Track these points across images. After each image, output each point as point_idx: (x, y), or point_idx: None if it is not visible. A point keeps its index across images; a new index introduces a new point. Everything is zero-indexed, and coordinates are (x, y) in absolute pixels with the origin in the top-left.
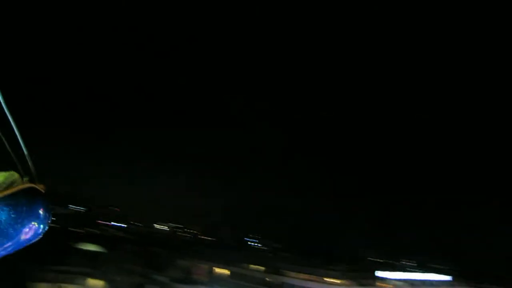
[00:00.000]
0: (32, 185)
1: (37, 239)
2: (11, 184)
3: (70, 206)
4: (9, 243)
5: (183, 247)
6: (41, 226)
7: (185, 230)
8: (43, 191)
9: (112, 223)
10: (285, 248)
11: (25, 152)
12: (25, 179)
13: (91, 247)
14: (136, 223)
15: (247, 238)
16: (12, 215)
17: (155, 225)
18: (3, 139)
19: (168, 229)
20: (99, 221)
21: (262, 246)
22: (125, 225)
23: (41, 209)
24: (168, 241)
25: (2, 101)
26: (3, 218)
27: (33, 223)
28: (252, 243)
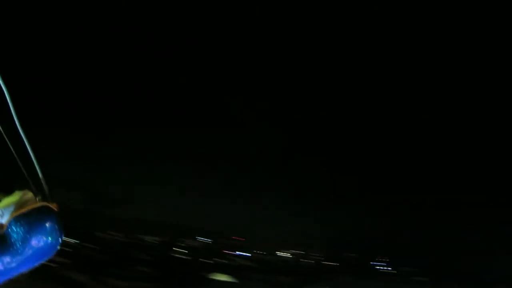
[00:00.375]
0: (45, 203)
1: (52, 251)
2: (25, 203)
3: (198, 238)
4: (20, 257)
5: (308, 274)
6: (49, 238)
7: (308, 256)
8: (55, 209)
9: (237, 252)
10: (419, 272)
11: (40, 174)
12: (38, 198)
13: (222, 277)
14: (259, 252)
15: (373, 262)
16: (24, 233)
17: (277, 252)
18: (18, 160)
19: (290, 256)
20: (225, 251)
21: (392, 270)
22: (250, 254)
23: (48, 223)
24: (292, 268)
25: (19, 127)
26: (17, 237)
27: (40, 236)
28: (380, 267)
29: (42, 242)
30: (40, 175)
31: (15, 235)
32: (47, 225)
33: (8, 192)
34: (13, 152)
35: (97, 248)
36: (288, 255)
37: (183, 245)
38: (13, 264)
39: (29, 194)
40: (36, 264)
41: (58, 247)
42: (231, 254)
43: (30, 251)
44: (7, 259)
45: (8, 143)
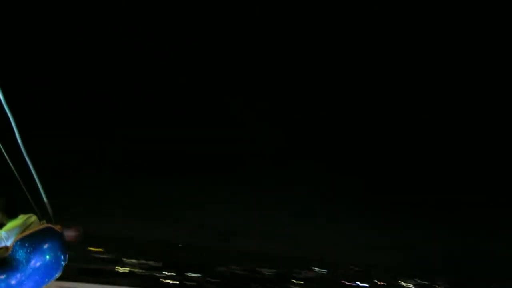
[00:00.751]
0: (48, 225)
1: (56, 269)
2: (29, 226)
3: (314, 268)
4: (25, 276)
5: None
6: (47, 257)
7: (434, 285)
8: (58, 230)
9: (356, 282)
10: None
11: (45, 199)
12: (43, 221)
13: None
14: (380, 282)
15: None
16: (27, 253)
17: (400, 282)
18: (22, 184)
19: (414, 286)
20: (343, 282)
21: None
22: (368, 285)
23: (48, 243)
24: None
25: (25, 155)
26: (21, 257)
27: (40, 255)
28: None
29: (42, 261)
30: (45, 199)
31: (19, 256)
32: (47, 245)
33: (13, 216)
34: (18, 177)
35: (218, 282)
36: (411, 285)
37: (299, 276)
38: (21, 281)
39: (33, 217)
40: (43, 282)
41: (63, 264)
42: (350, 285)
43: (31, 270)
44: (16, 276)
45: (13, 169)
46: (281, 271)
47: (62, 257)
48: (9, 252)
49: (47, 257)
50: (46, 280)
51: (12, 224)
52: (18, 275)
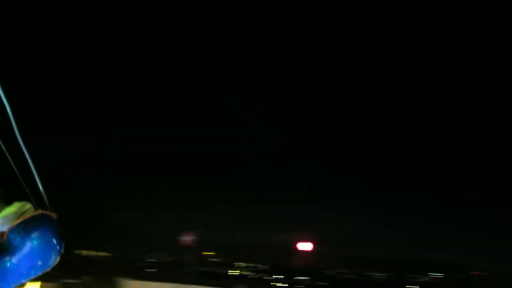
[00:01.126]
0: (43, 212)
1: (49, 256)
2: (24, 213)
3: (430, 274)
4: (18, 260)
5: None
6: (37, 242)
7: None
8: (54, 217)
9: None
10: None
11: (41, 188)
12: (38, 210)
13: None
14: None
15: None
16: (21, 240)
17: None
18: (17, 172)
19: None
20: None
21: None
22: None
23: (40, 230)
24: None
25: (21, 142)
26: (17, 242)
27: (32, 242)
28: None
29: (35, 245)
30: (41, 188)
31: (14, 241)
32: (40, 230)
33: (7, 203)
34: (12, 164)
35: (327, 285)
36: None
37: (414, 280)
38: (19, 261)
39: (28, 205)
40: (38, 266)
41: (58, 249)
42: None
43: (26, 254)
44: (14, 258)
45: (8, 156)
46: (393, 276)
47: (55, 241)
48: (4, 237)
49: (38, 242)
50: (40, 262)
51: (7, 210)
52: (17, 256)
